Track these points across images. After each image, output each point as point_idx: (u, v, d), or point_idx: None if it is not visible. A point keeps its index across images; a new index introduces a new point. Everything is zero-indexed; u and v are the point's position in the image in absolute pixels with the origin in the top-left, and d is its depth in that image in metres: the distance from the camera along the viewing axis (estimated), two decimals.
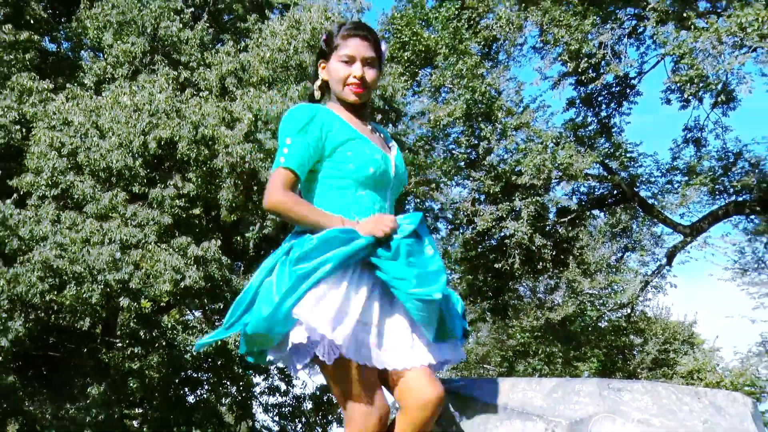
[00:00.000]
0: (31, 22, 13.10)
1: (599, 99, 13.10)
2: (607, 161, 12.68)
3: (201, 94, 11.95)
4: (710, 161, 12.35)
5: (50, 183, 11.08)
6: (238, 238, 13.98)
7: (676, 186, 12.76)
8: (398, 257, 2.19)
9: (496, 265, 12.75)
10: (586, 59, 11.23)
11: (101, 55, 13.36)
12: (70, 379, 12.34)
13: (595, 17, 11.16)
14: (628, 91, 13.05)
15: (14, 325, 10.11)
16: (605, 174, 12.95)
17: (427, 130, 13.12)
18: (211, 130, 11.09)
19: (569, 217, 12.72)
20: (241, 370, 13.80)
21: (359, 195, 2.34)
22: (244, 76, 12.39)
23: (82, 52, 14.41)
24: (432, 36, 12.84)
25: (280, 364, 15.59)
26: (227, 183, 11.53)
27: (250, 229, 12.66)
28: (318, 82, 2.49)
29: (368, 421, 2.17)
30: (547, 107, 12.71)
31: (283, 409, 15.69)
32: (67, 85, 12.17)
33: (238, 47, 12.89)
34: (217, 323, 12.23)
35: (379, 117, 12.96)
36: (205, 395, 14.61)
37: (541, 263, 13.19)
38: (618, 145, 12.63)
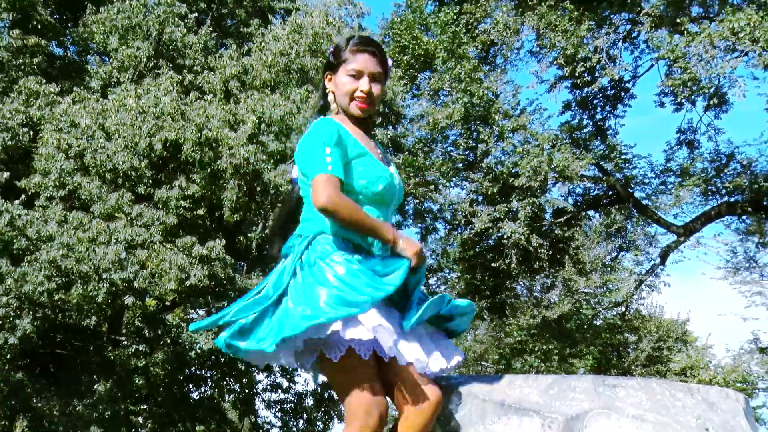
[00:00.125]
0: (39, 27, 13.10)
1: (594, 102, 13.11)
2: (602, 163, 12.68)
3: (205, 97, 11.95)
4: (703, 163, 12.36)
5: (58, 184, 11.09)
6: (241, 239, 13.99)
7: (669, 187, 12.76)
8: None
9: (494, 265, 12.75)
10: (581, 63, 11.23)
11: (107, 59, 13.37)
12: (77, 376, 12.34)
13: (590, 22, 11.16)
14: (623, 94, 13.06)
15: (22, 323, 10.12)
16: (600, 175, 12.96)
17: (426, 132, 13.11)
18: (215, 132, 11.10)
19: (565, 218, 12.71)
20: (243, 367, 13.80)
21: (367, 210, 2.34)
22: (247, 80, 12.39)
23: (89, 56, 14.42)
24: (431, 40, 12.83)
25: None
26: (231, 184, 11.54)
27: (253, 229, 12.67)
28: (331, 96, 2.49)
29: (369, 418, 2.18)
30: (544, 110, 12.73)
31: (285, 406, 15.69)
32: (74, 88, 12.18)
33: (241, 51, 12.90)
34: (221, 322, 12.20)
35: (379, 119, 12.97)
36: (208, 392, 14.61)
37: (537, 263, 13.19)
38: (613, 147, 12.64)
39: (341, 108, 2.46)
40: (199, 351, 12.41)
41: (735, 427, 2.18)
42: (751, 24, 8.90)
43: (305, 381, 15.93)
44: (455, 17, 12.41)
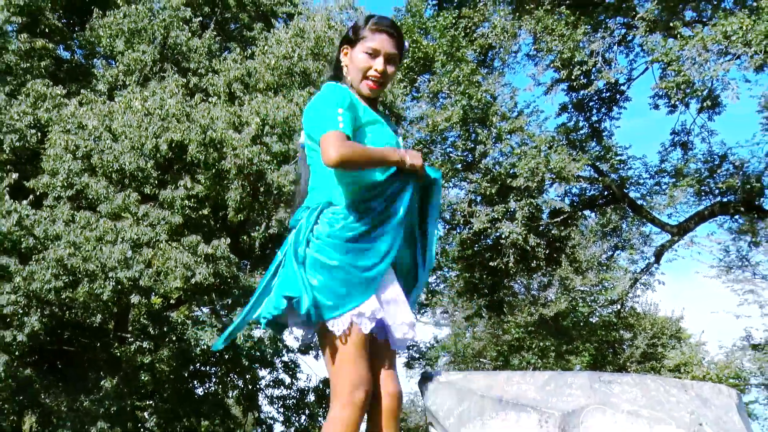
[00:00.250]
0: (46, 30, 13.11)
1: (590, 104, 13.10)
2: (597, 164, 12.68)
3: (209, 99, 11.95)
4: (696, 164, 12.36)
5: (65, 184, 11.09)
6: (245, 238, 13.99)
7: (663, 187, 12.76)
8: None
9: (492, 264, 12.74)
10: (577, 66, 11.22)
11: (113, 62, 13.37)
12: (84, 373, 12.34)
13: (586, 26, 11.16)
14: (618, 96, 13.05)
15: (30, 321, 10.12)
16: (596, 176, 12.96)
17: (425, 134, 13.10)
18: (220, 133, 11.10)
19: (562, 218, 12.71)
20: (247, 364, 13.81)
21: (375, 174, 2.35)
22: (250, 82, 12.39)
23: (95, 59, 14.41)
24: (430, 44, 12.83)
25: (286, 357, 15.60)
26: (235, 184, 11.54)
27: (256, 228, 12.66)
28: (345, 69, 2.48)
29: (354, 395, 2.20)
30: (541, 112, 12.74)
31: (288, 402, 15.68)
32: (81, 90, 12.19)
33: (245, 54, 12.89)
34: (224, 319, 12.22)
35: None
36: (213, 388, 14.61)
37: (534, 261, 13.18)
38: (608, 149, 12.64)
39: (352, 83, 2.46)
40: (204, 347, 12.42)
41: (728, 422, 2.18)
42: (744, 27, 8.89)
43: (307, 378, 15.94)
44: (454, 21, 12.40)
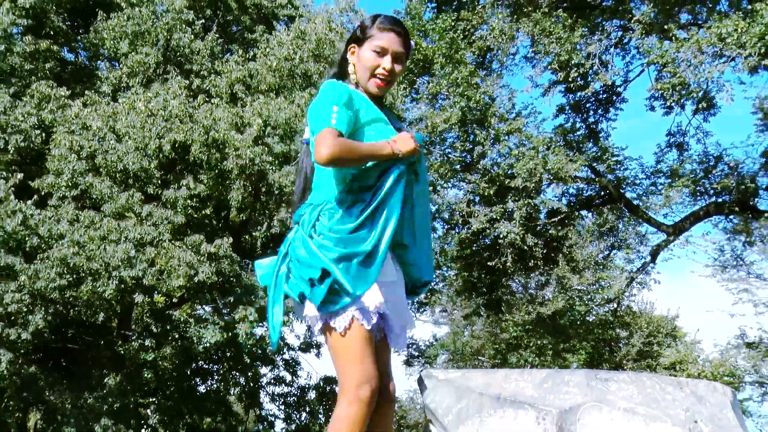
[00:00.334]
0: (51, 32, 13.09)
1: (587, 106, 13.11)
2: (594, 164, 12.69)
3: (212, 100, 11.95)
4: (692, 164, 12.38)
5: (70, 184, 11.09)
6: (247, 237, 13.98)
7: (659, 188, 12.78)
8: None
9: (490, 263, 12.75)
10: (575, 68, 11.23)
11: (117, 64, 13.36)
12: (88, 370, 12.34)
13: (583, 29, 11.16)
14: (615, 98, 13.06)
15: (35, 319, 10.11)
16: (593, 176, 12.96)
17: (424, 135, 13.10)
18: (222, 134, 11.09)
19: (559, 218, 12.72)
20: (249, 361, 13.80)
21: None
22: (252, 84, 12.39)
23: (99, 61, 14.40)
24: (429, 46, 12.83)
25: (289, 354, 15.59)
26: (237, 184, 11.53)
27: (258, 228, 12.65)
28: (351, 68, 2.48)
29: (360, 391, 2.18)
30: (538, 113, 12.77)
31: (289, 399, 15.66)
32: (86, 92, 12.18)
33: (247, 56, 12.89)
34: (226, 317, 12.21)
35: None
36: (215, 385, 14.60)
37: (532, 261, 13.19)
38: (605, 149, 12.64)
39: (360, 82, 2.46)
40: (206, 345, 12.41)
41: (722, 419, 2.18)
42: (738, 30, 8.90)
43: (308, 375, 15.93)
44: (453, 24, 12.40)
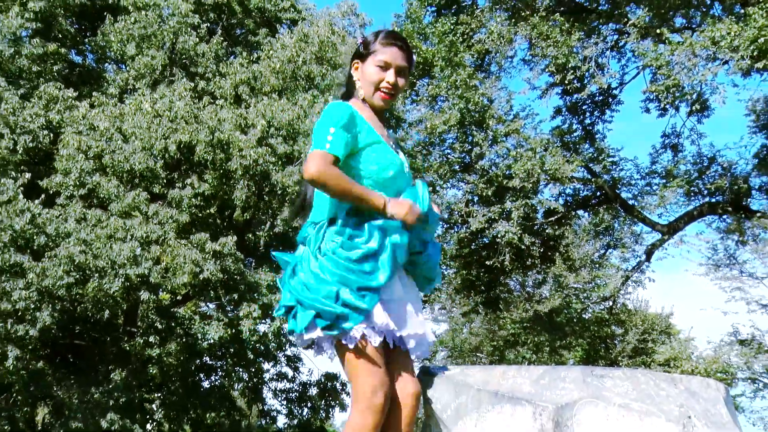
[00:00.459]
0: (59, 35, 13.10)
1: (584, 108, 13.09)
2: (591, 165, 12.68)
3: (217, 102, 11.95)
4: (686, 165, 12.36)
5: (78, 183, 11.10)
6: (250, 236, 13.99)
7: (654, 188, 12.77)
8: (429, 259, 2.47)
9: (488, 262, 12.73)
10: (571, 71, 11.21)
11: (124, 66, 13.37)
12: (95, 366, 12.35)
13: (580, 32, 11.15)
14: (611, 100, 13.05)
15: (42, 316, 10.12)
16: (589, 177, 12.95)
17: (424, 136, 13.09)
18: (227, 135, 11.10)
19: (556, 217, 12.70)
20: (252, 357, 13.80)
21: None
22: (256, 86, 12.40)
23: (106, 63, 14.41)
24: (429, 49, 12.81)
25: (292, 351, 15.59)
26: (241, 184, 11.54)
27: (261, 227, 12.66)
28: (357, 83, 2.47)
29: (374, 399, 2.20)
30: (536, 115, 12.77)
31: (291, 395, 15.68)
32: (93, 93, 12.19)
33: (251, 59, 12.90)
34: (231, 314, 12.22)
35: None
36: (219, 381, 14.60)
37: (529, 260, 13.18)
38: (601, 150, 12.63)
39: (365, 96, 2.45)
40: (210, 342, 12.41)
41: (716, 414, 2.18)
42: (731, 33, 8.89)
43: (309, 371, 15.94)
44: (452, 27, 12.39)
